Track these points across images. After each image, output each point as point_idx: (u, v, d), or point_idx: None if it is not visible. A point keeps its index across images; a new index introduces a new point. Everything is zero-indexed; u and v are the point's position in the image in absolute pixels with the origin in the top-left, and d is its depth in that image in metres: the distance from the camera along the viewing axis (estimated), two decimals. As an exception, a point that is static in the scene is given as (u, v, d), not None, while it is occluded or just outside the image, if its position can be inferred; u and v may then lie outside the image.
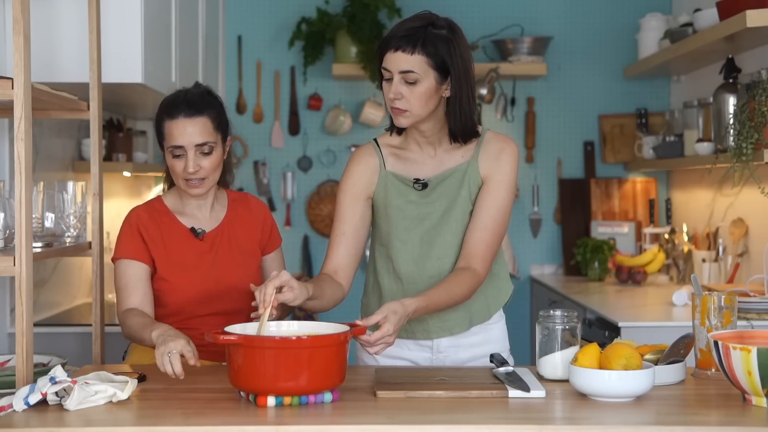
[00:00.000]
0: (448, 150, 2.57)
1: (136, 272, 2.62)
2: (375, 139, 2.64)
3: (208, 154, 2.61)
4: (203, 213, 2.72)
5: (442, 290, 2.45)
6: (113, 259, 2.66)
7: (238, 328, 2.21)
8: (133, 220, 2.66)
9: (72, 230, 2.81)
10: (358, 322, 2.25)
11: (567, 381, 2.28)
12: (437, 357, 2.64)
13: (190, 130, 2.58)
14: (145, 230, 2.64)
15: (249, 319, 2.65)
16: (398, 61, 2.42)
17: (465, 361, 2.64)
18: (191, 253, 2.67)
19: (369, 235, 2.66)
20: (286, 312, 2.69)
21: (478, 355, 2.65)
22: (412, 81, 2.42)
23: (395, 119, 2.49)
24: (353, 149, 5.29)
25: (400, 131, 2.60)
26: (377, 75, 2.52)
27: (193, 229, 2.69)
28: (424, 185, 2.56)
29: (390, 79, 2.45)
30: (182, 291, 2.64)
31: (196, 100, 2.62)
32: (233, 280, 2.67)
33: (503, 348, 2.69)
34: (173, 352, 2.24)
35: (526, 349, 5.24)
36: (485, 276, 2.54)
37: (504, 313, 2.74)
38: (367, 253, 5.02)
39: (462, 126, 2.51)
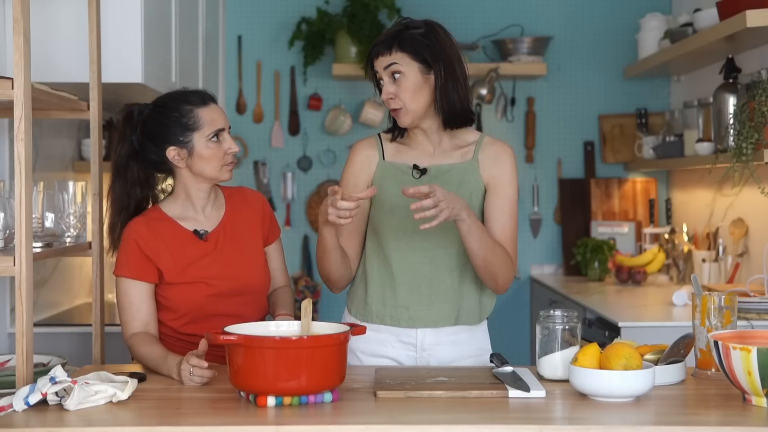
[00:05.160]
0: (446, 150, 2.63)
1: (138, 292, 2.60)
2: (378, 134, 2.72)
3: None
4: (204, 214, 2.70)
5: (489, 233, 2.52)
6: (114, 274, 2.63)
7: (238, 328, 2.21)
8: (131, 236, 2.61)
9: (72, 230, 2.80)
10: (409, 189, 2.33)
11: (567, 381, 2.28)
12: (421, 355, 2.65)
13: (222, 115, 2.67)
14: (146, 244, 2.60)
15: (260, 317, 2.69)
16: (381, 62, 2.56)
17: (450, 361, 2.65)
18: (196, 255, 2.65)
19: (367, 225, 2.70)
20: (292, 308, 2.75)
21: (464, 355, 2.66)
22: (397, 73, 2.53)
23: (397, 119, 2.59)
24: (353, 148, 5.30)
25: (401, 133, 2.66)
26: (374, 84, 2.63)
27: (196, 231, 2.67)
28: (423, 171, 2.61)
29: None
30: (192, 294, 2.62)
31: (209, 92, 2.71)
32: (241, 276, 2.67)
33: (487, 349, 2.71)
34: (192, 371, 2.31)
35: (526, 349, 5.24)
36: (516, 262, 2.62)
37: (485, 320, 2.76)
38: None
39: (449, 110, 2.56)
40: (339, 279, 2.63)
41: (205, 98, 2.65)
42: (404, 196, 2.56)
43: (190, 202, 2.68)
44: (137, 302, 2.59)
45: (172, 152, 2.62)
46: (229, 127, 2.68)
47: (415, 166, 2.62)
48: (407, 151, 2.65)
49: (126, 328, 2.60)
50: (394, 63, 2.53)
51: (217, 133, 2.62)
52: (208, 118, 2.62)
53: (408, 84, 2.53)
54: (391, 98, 2.55)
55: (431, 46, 2.53)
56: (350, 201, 2.34)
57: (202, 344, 2.32)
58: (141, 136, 2.64)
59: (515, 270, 2.61)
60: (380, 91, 2.60)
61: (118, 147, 2.68)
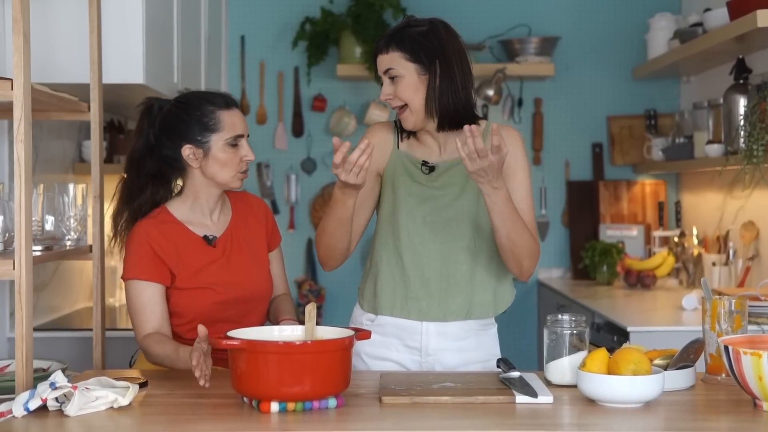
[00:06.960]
0: (453, 149, 2.59)
1: (152, 294, 2.56)
2: (395, 120, 2.69)
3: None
4: (212, 219, 2.67)
5: (516, 211, 2.47)
6: (124, 278, 2.59)
7: (241, 333, 2.18)
8: (143, 237, 2.57)
9: (72, 233, 2.78)
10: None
11: (575, 386, 2.25)
12: (426, 360, 2.63)
13: (244, 122, 2.64)
14: (158, 246, 2.57)
15: (261, 324, 2.67)
16: (380, 63, 2.57)
17: (455, 367, 2.63)
18: (205, 261, 2.62)
19: (374, 211, 2.68)
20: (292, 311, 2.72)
21: (470, 361, 2.63)
22: (395, 76, 2.54)
23: (402, 122, 2.60)
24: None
25: (409, 135, 2.65)
26: (380, 84, 2.64)
27: (205, 237, 2.64)
28: (432, 168, 2.60)
29: None
30: (200, 300, 2.59)
31: (233, 97, 2.68)
32: (248, 283, 2.65)
33: (495, 355, 2.67)
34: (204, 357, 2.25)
35: (533, 354, 5.21)
36: (539, 248, 2.56)
37: (496, 323, 2.73)
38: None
39: (441, 111, 2.53)
40: (341, 253, 2.60)
41: (228, 102, 2.63)
42: (415, 188, 2.60)
43: (199, 205, 2.65)
44: (151, 304, 2.55)
45: (187, 150, 2.58)
46: (248, 135, 2.64)
47: (425, 162, 2.61)
48: (417, 146, 2.64)
49: (139, 330, 2.56)
50: (391, 69, 2.53)
51: (236, 139, 2.60)
52: (229, 121, 2.59)
53: (406, 84, 2.52)
54: (390, 98, 2.55)
55: (428, 45, 2.51)
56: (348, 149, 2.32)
57: (201, 329, 2.25)
58: (158, 130, 2.62)
59: (539, 256, 2.56)
60: None
61: (135, 140, 2.66)
